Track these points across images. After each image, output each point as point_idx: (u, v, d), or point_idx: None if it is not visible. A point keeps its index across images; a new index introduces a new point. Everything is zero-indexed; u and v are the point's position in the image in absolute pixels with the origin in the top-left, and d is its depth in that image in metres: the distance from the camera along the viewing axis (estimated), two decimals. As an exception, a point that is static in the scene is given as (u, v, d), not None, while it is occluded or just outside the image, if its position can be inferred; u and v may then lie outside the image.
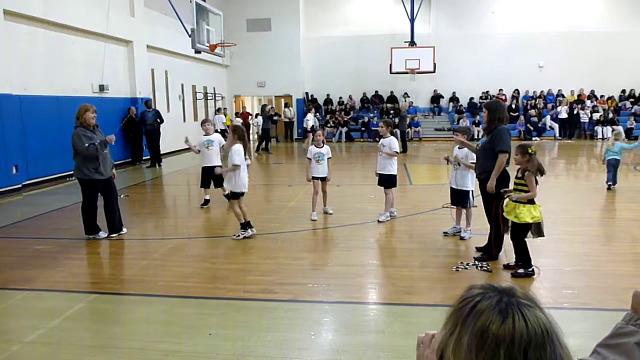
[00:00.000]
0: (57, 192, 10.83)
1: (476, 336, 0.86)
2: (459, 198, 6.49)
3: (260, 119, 19.30)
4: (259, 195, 10.88)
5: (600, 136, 21.49)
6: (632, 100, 22.84)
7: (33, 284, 5.19)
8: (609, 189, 9.67)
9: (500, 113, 5.54)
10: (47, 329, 4.08)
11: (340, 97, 24.89)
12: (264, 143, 18.87)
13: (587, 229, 7.22)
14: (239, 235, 6.66)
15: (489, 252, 5.58)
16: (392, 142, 7.53)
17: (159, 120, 15.18)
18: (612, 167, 9.72)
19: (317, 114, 23.73)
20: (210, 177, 8.62)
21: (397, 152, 7.53)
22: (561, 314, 4.17)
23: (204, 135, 8.69)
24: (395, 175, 7.56)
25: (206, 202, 8.80)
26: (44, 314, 4.38)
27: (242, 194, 6.77)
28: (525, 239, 5.01)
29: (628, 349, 1.12)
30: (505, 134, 5.45)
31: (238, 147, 6.63)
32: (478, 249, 5.85)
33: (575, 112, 22.03)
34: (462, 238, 6.42)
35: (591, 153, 17.69)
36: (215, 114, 21.78)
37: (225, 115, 22.77)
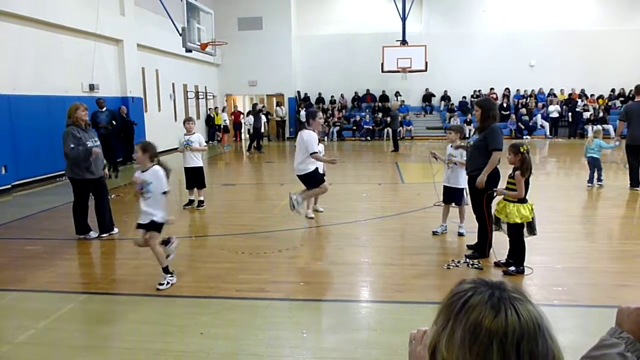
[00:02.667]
0: (47, 192, 10.75)
1: (469, 331, 0.86)
2: (453, 196, 6.52)
3: (251, 117, 19.31)
4: (251, 194, 10.87)
5: (590, 135, 21.65)
6: (621, 99, 23.01)
7: (23, 285, 5.15)
8: (589, 184, 9.85)
9: (493, 111, 5.59)
10: (37, 329, 4.05)
11: (332, 96, 24.90)
12: (255, 142, 18.87)
13: (578, 226, 7.28)
14: (164, 284, 4.89)
15: (480, 249, 5.61)
16: (310, 137, 6.92)
17: (114, 122, 13.15)
18: (592, 165, 9.85)
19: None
20: (193, 177, 8.59)
21: (315, 152, 6.87)
22: (551, 311, 4.20)
23: (185, 134, 8.56)
24: (311, 172, 7.00)
25: (190, 202, 8.75)
26: (34, 315, 4.35)
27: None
28: (524, 239, 5.06)
29: (611, 359, 1.15)
30: (499, 132, 5.51)
31: (159, 170, 4.95)
32: (469, 247, 5.89)
33: (578, 109, 22.14)
34: (461, 234, 6.47)
35: (582, 151, 17.79)
36: (222, 111, 21.97)
37: (217, 115, 22.78)
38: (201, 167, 8.66)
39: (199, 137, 8.63)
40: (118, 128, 13.63)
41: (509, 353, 0.83)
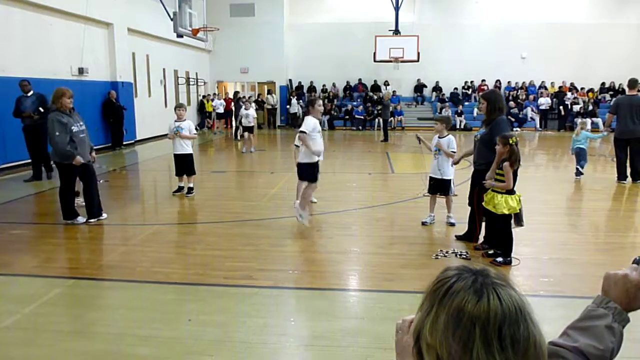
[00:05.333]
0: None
1: (452, 315, 0.88)
2: (440, 187, 6.54)
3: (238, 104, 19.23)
4: (241, 181, 10.84)
5: (577, 127, 21.78)
6: (611, 93, 23.16)
7: (8, 269, 5.11)
8: (577, 176, 9.93)
9: (500, 102, 5.51)
10: (23, 314, 4.03)
11: (324, 85, 24.81)
12: (240, 129, 18.83)
13: (565, 218, 7.34)
14: None
15: (471, 239, 5.68)
16: (307, 120, 6.62)
17: (41, 109, 9.81)
18: (579, 156, 9.93)
19: (300, 101, 23.68)
20: (182, 164, 8.56)
21: (303, 131, 6.44)
22: (537, 301, 4.24)
23: (176, 120, 8.49)
24: (302, 163, 6.67)
25: (180, 189, 8.70)
26: (20, 300, 4.32)
27: None
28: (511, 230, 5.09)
29: (598, 332, 1.15)
30: (504, 125, 5.42)
31: None
32: (458, 238, 5.93)
33: (567, 102, 22.26)
34: (452, 224, 6.49)
35: (570, 144, 17.92)
36: (216, 99, 21.87)
37: (208, 102, 22.61)
38: (191, 154, 8.61)
39: (189, 124, 8.57)
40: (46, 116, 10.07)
41: (491, 337, 0.85)
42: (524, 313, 0.88)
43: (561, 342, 1.16)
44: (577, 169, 10.00)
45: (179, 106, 8.77)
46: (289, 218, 7.17)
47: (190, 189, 8.56)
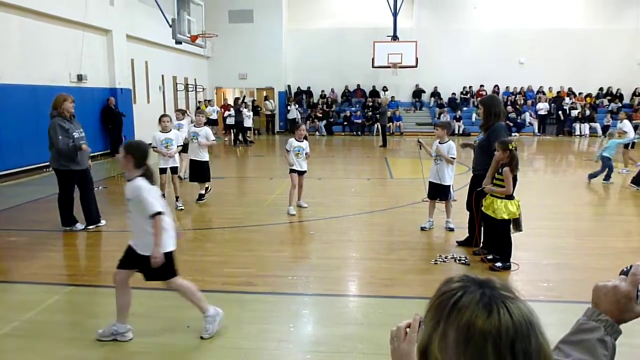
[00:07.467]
0: (32, 183, 10.63)
1: (462, 332, 0.85)
2: (439, 192, 6.55)
3: (233, 111, 19.24)
4: (240, 187, 10.84)
5: (577, 133, 21.85)
6: (609, 98, 23.24)
7: (7, 276, 5.10)
8: (604, 181, 9.93)
9: (497, 108, 5.49)
10: (22, 321, 4.01)
11: (323, 91, 24.85)
12: (240, 135, 18.86)
13: (564, 223, 7.34)
14: None
15: (470, 244, 5.68)
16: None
17: None
18: (604, 163, 9.89)
19: (298, 106, 23.72)
20: (197, 171, 8.48)
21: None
22: (537, 306, 4.22)
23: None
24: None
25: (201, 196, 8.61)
26: (18, 307, 4.31)
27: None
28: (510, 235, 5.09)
29: (590, 345, 1.12)
30: (502, 131, 5.39)
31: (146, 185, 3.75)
32: (459, 243, 5.92)
33: (565, 107, 22.36)
34: (451, 229, 6.49)
35: (569, 149, 17.97)
36: (209, 105, 21.91)
37: (205, 107, 22.60)
38: (207, 162, 8.43)
39: (207, 131, 8.33)
40: None
41: (504, 353, 0.83)
42: (534, 326, 0.87)
43: (554, 357, 1.15)
44: (607, 175, 9.98)
45: (198, 112, 8.81)
46: (288, 224, 7.18)
47: (201, 196, 8.50)
